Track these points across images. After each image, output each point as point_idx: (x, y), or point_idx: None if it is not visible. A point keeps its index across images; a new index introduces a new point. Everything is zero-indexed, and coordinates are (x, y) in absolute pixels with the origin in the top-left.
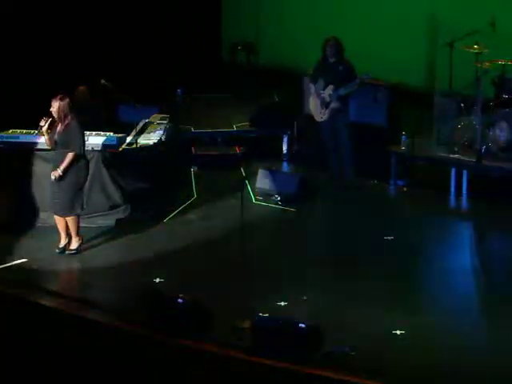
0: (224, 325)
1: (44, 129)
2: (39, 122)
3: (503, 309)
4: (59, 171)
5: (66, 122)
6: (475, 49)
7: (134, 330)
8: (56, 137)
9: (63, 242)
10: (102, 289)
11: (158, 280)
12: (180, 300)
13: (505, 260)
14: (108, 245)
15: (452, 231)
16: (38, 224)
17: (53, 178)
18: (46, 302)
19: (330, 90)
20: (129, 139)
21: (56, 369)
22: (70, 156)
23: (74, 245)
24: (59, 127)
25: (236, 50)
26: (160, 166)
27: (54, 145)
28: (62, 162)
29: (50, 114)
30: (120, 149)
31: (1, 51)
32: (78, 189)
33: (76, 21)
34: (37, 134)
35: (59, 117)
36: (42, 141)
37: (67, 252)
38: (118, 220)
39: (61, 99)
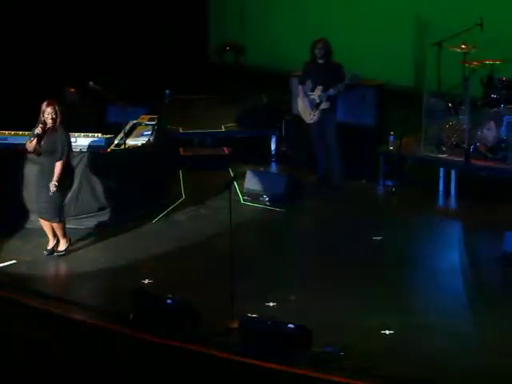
0: (212, 325)
1: (38, 137)
2: (36, 129)
3: (492, 308)
4: (54, 183)
5: (54, 127)
6: (463, 49)
7: (123, 330)
8: (42, 142)
9: (51, 243)
10: (91, 290)
11: (146, 281)
12: (169, 301)
13: (493, 260)
14: (96, 246)
15: (440, 231)
16: (28, 226)
17: (53, 189)
18: (35, 303)
19: (319, 91)
20: (117, 140)
21: (43, 369)
22: (59, 166)
23: (62, 246)
24: (46, 133)
25: (224, 50)
26: (148, 167)
27: (39, 149)
28: (48, 168)
29: (39, 120)
30: (108, 150)
31: None
32: (63, 195)
33: (64, 23)
34: (32, 140)
35: (51, 121)
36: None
37: (55, 253)
38: (106, 221)
39: (49, 104)
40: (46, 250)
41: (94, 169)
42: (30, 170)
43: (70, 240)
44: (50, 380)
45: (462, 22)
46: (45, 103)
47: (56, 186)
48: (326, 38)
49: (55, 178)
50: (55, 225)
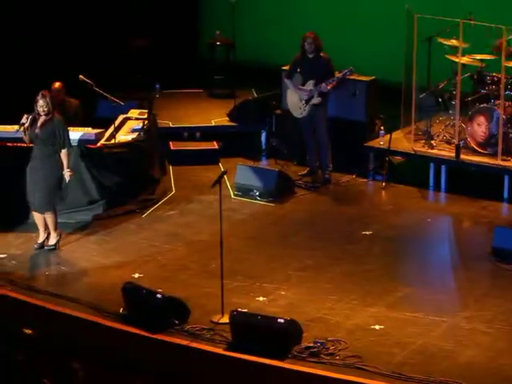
0: (202, 320)
1: (26, 125)
2: (21, 119)
3: (480, 303)
4: (68, 170)
5: (50, 117)
6: (453, 44)
7: (112, 324)
8: (38, 131)
9: (42, 237)
10: (80, 284)
11: (136, 275)
12: (158, 295)
13: (482, 255)
14: (86, 240)
15: (430, 226)
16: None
17: (68, 178)
18: (25, 297)
19: (310, 85)
20: (107, 134)
21: (34, 363)
22: (65, 154)
23: (53, 240)
24: (40, 122)
25: (215, 46)
26: (138, 161)
27: (35, 139)
28: (41, 159)
29: (30, 111)
30: (98, 144)
31: None
32: (56, 185)
33: (55, 16)
34: (17, 131)
35: (44, 113)
36: (20, 136)
37: (46, 247)
38: (95, 215)
39: (44, 95)
40: (36, 243)
41: (83, 163)
42: (22, 164)
43: (60, 234)
44: (40, 373)
45: (453, 17)
46: (39, 94)
47: (71, 173)
48: (315, 33)
49: (65, 165)
50: (47, 217)
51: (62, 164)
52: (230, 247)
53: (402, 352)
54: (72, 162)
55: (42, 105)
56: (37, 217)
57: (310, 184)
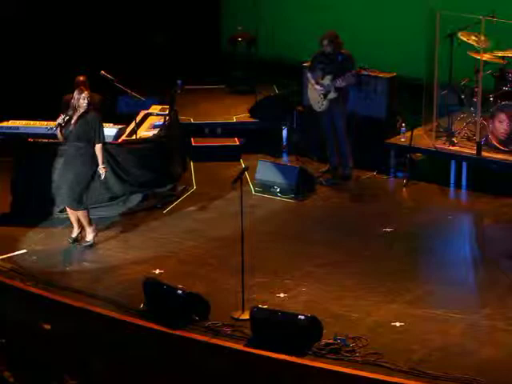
0: (223, 316)
1: (62, 125)
2: (57, 118)
3: (502, 301)
4: (102, 166)
5: (85, 113)
6: (475, 41)
7: (134, 321)
8: (72, 128)
9: (75, 232)
10: (101, 280)
11: (157, 271)
12: (179, 291)
13: (504, 252)
14: (108, 236)
15: (451, 224)
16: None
17: (103, 174)
18: (45, 292)
19: (327, 80)
20: (128, 130)
21: (54, 359)
22: (100, 148)
23: (89, 236)
24: (75, 119)
25: (236, 41)
26: (160, 157)
27: (69, 135)
28: (73, 156)
29: (63, 110)
30: (120, 140)
31: (2, 43)
32: (87, 184)
33: (76, 11)
34: (55, 129)
35: (83, 108)
36: (43, 131)
37: (83, 244)
38: (117, 211)
39: (82, 90)
40: (70, 238)
41: (105, 159)
42: (47, 160)
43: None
44: (62, 371)
45: (475, 13)
46: (77, 90)
47: (106, 169)
48: (333, 31)
49: (100, 161)
50: (79, 213)
51: (96, 160)
52: (250, 243)
53: (422, 349)
54: None
55: (82, 100)
56: (70, 212)
57: (331, 180)
